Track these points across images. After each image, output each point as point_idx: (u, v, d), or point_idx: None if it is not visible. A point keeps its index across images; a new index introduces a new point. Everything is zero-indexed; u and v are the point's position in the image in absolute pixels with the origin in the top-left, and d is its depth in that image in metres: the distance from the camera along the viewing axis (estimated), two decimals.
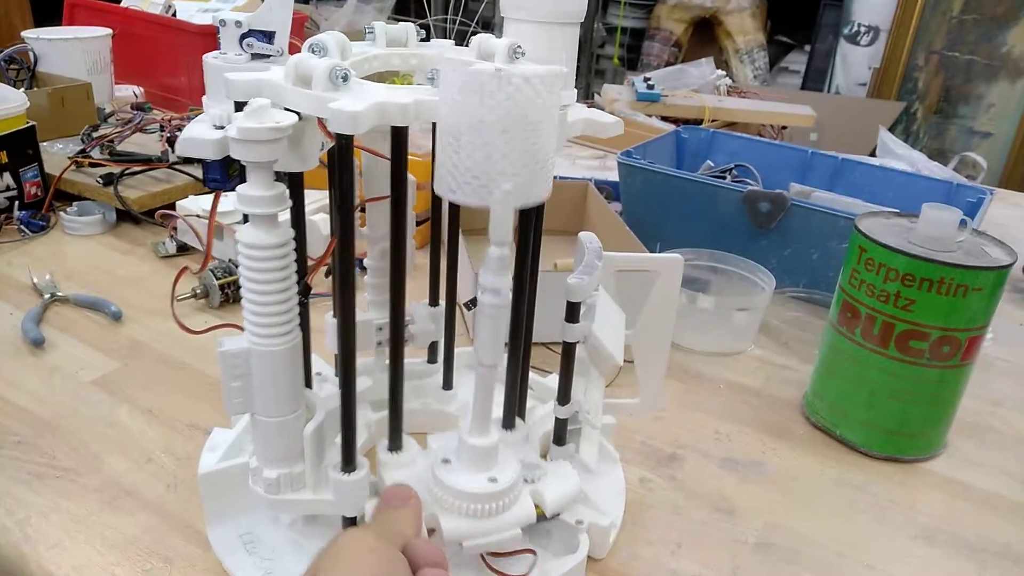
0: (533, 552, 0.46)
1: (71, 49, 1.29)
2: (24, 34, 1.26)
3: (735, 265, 0.83)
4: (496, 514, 0.43)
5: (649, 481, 0.59)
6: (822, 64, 3.04)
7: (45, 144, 1.03)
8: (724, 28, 3.00)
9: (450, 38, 0.56)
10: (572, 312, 0.45)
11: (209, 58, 0.49)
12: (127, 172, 0.98)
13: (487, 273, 0.39)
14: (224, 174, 0.48)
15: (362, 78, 0.42)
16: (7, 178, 0.92)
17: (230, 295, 0.78)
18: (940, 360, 0.60)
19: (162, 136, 1.08)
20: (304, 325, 0.46)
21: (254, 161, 0.40)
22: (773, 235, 0.88)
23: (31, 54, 1.24)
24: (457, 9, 2.63)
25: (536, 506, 0.45)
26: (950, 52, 2.55)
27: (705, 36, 3.09)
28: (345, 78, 0.39)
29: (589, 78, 3.27)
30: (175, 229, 0.87)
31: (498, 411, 0.48)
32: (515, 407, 0.49)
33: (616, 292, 0.52)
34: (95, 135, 1.07)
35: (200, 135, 0.41)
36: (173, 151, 1.03)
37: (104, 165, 0.99)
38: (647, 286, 0.52)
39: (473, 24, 2.54)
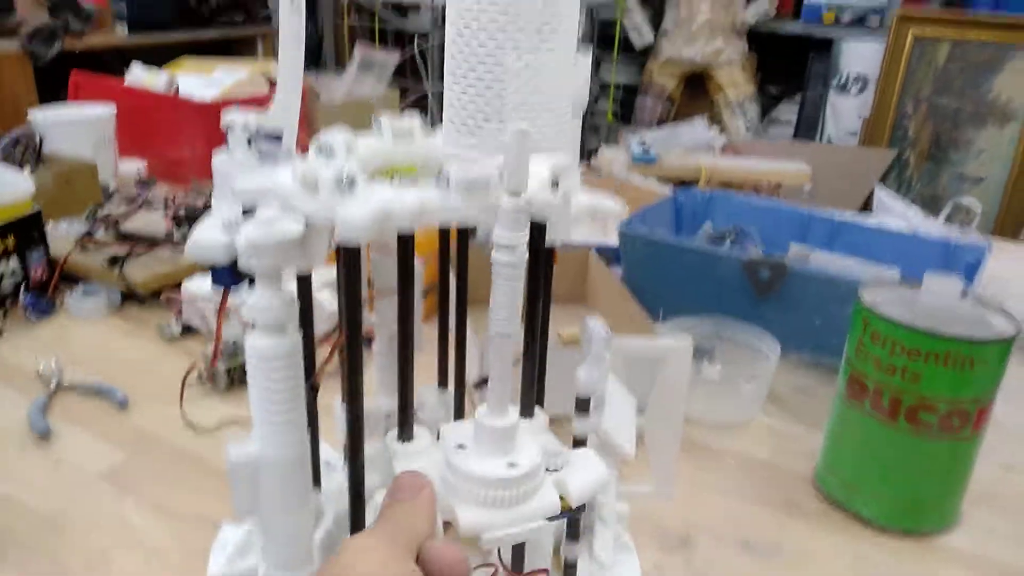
0: (547, 572, 0.44)
1: (76, 128, 1.32)
2: (31, 114, 1.29)
3: (739, 332, 0.83)
4: (517, 503, 0.39)
5: (663, 568, 0.58)
6: (813, 113, 3.09)
7: (50, 224, 1.04)
8: (715, 82, 3.05)
9: None
10: (582, 406, 0.45)
11: (217, 161, 0.50)
12: (132, 253, 0.99)
13: (502, 227, 0.36)
14: (231, 274, 0.48)
15: (369, 170, 0.43)
16: (14, 262, 0.93)
17: (235, 378, 0.78)
18: (950, 432, 0.59)
19: (167, 214, 1.09)
20: (312, 413, 0.46)
21: (263, 269, 0.40)
22: (775, 301, 0.88)
23: (37, 135, 1.26)
24: None
25: (560, 497, 0.40)
26: (938, 100, 2.60)
27: (697, 90, 3.15)
28: (352, 183, 0.40)
29: (584, 135, 3.32)
30: (180, 311, 0.88)
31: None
32: (533, 394, 0.45)
33: (624, 373, 0.52)
34: (100, 213, 1.08)
35: (209, 240, 0.42)
36: (178, 229, 1.04)
37: (110, 246, 1.00)
38: (656, 364, 0.52)
39: None
